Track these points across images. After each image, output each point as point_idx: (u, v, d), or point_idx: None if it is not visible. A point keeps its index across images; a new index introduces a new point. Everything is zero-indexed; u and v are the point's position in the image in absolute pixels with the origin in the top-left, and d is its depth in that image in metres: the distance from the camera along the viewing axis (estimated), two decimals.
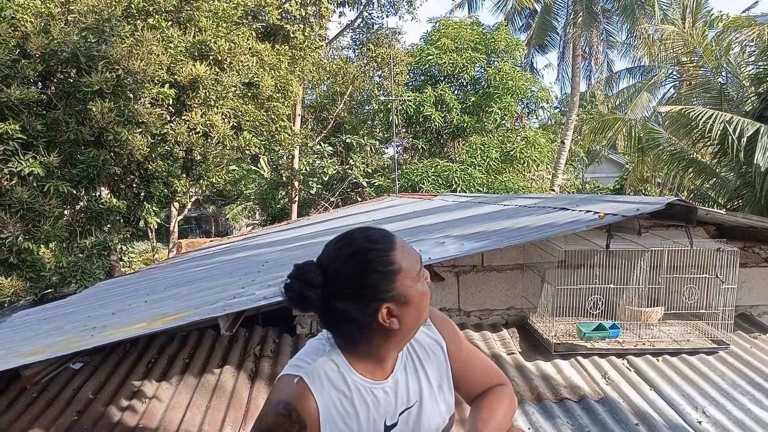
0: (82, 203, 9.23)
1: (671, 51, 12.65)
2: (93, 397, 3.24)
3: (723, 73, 10.92)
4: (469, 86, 17.34)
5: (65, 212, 9.18)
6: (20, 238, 7.90)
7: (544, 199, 5.85)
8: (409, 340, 1.32)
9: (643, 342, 3.79)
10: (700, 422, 3.11)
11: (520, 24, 20.68)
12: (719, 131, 8.72)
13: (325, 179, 16.74)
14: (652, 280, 3.81)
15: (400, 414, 1.30)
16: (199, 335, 4.01)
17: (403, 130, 17.58)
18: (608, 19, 19.45)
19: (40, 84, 8.75)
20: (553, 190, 18.22)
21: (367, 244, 1.24)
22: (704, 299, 3.83)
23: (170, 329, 3.75)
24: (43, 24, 8.30)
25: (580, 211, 3.80)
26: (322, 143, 17.35)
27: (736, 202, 10.01)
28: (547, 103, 18.87)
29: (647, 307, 3.90)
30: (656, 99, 20.41)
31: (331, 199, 17.19)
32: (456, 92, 17.16)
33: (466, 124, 16.43)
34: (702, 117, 8.89)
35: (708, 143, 10.01)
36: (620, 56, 23.03)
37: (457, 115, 16.34)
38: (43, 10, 8.49)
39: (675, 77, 18.52)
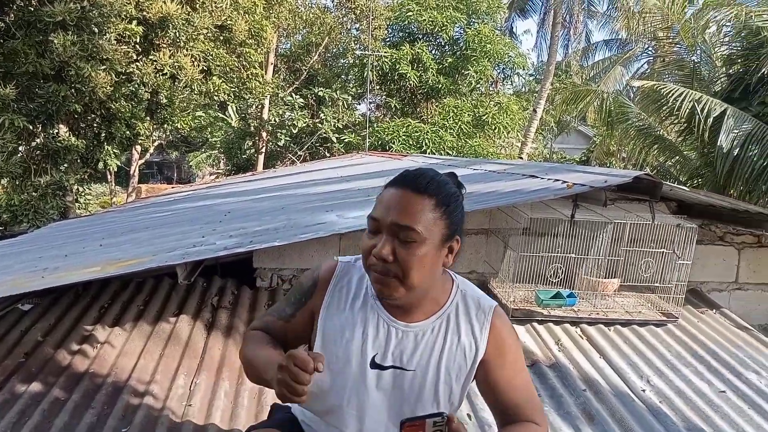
0: (38, 140, 8.85)
1: (649, 25, 12.65)
2: (42, 340, 3.16)
3: (698, 52, 11.00)
4: (447, 46, 17.10)
5: (20, 148, 8.80)
6: None
7: (513, 166, 5.86)
8: (430, 289, 1.28)
9: (597, 311, 3.88)
10: (644, 390, 3.22)
11: None
12: (687, 110, 8.83)
13: (294, 132, 16.44)
14: (612, 252, 3.87)
15: (392, 367, 1.28)
16: (155, 283, 3.93)
17: (377, 87, 17.31)
18: None
19: None
20: (521, 158, 18.33)
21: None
22: (659, 273, 3.93)
23: (125, 275, 3.66)
24: None
25: (549, 179, 3.81)
26: (293, 94, 16.97)
27: (696, 181, 10.24)
28: (524, 69, 18.79)
29: (604, 278, 3.98)
30: (630, 73, 20.51)
31: (299, 153, 16.94)
32: (433, 52, 16.91)
33: (441, 86, 16.27)
34: (673, 94, 8.97)
35: (675, 121, 10.15)
36: (599, 27, 23.00)
37: (433, 75, 16.15)
38: None
39: (650, 53, 18.59)
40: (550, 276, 3.87)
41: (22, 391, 2.73)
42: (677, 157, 10.82)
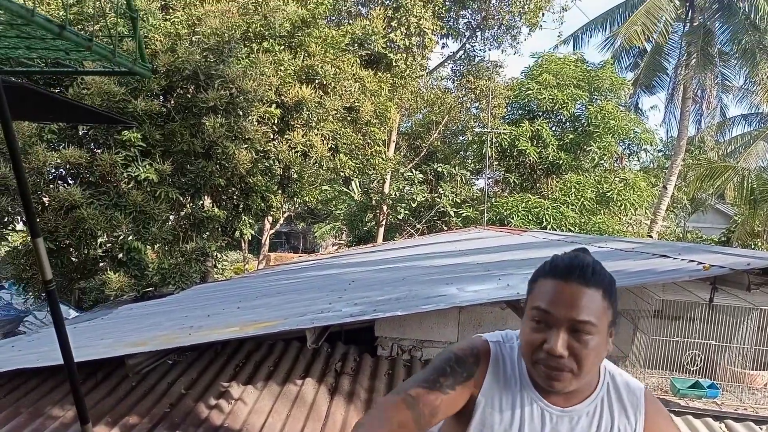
0: (186, 210, 9.87)
1: None
2: (185, 393, 3.44)
3: None
4: (567, 123, 16.99)
5: (171, 217, 9.85)
6: (131, 237, 8.56)
7: (642, 245, 5.59)
8: (589, 375, 1.24)
9: (744, 407, 3.51)
10: None
11: (628, 63, 20.00)
12: None
13: (414, 205, 16.87)
14: (760, 342, 3.53)
15: None
16: (284, 345, 4.16)
17: (496, 163, 17.44)
18: (725, 62, 18.41)
19: (161, 97, 9.51)
20: (651, 236, 17.31)
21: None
22: None
23: (259, 336, 3.92)
24: (170, 43, 9.06)
25: (682, 259, 3.62)
26: (413, 170, 17.55)
27: None
28: (651, 145, 18.08)
29: (752, 369, 3.62)
30: None
31: (417, 226, 17.28)
32: (553, 128, 16.85)
33: (561, 161, 16.06)
34: None
35: None
36: (736, 101, 21.68)
37: (553, 151, 16.01)
38: (171, 30, 9.28)
39: None
40: (687, 363, 3.60)
41: None
42: None
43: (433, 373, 1.30)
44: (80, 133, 9.01)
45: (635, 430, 1.27)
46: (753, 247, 16.99)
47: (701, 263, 3.32)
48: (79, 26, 8.27)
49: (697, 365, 3.59)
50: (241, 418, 3.20)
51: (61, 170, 9.00)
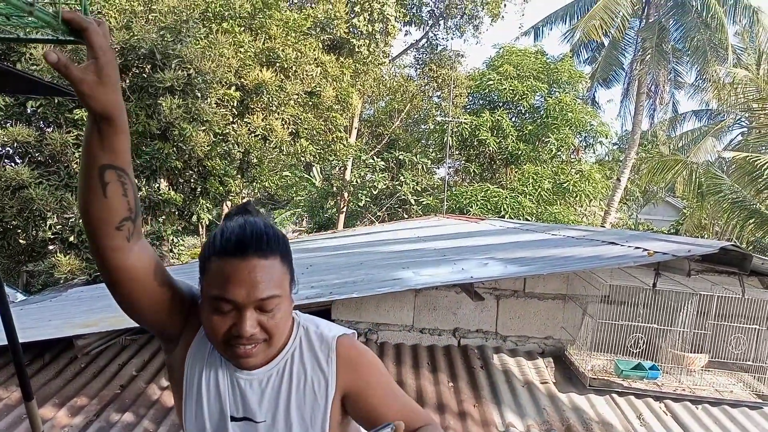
0: (142, 192, 9.64)
1: (742, 96, 12.27)
2: (136, 374, 3.39)
3: None
4: (527, 114, 17.27)
5: None
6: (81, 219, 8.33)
7: (592, 232, 5.77)
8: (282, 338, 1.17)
9: (683, 387, 3.69)
10: None
11: (586, 57, 20.47)
12: None
13: (375, 193, 16.90)
14: (698, 325, 3.71)
15: (243, 419, 1.18)
16: None
17: (457, 152, 17.61)
18: (678, 59, 19.00)
19: None
20: (604, 227, 17.83)
21: (226, 221, 1.20)
22: (752, 351, 3.70)
23: None
24: (125, 20, 8.79)
25: (629, 246, 3.76)
26: (375, 157, 17.56)
27: None
28: (606, 138, 18.55)
29: (690, 352, 3.80)
30: (722, 144, 19.75)
31: (378, 214, 17.33)
32: (513, 119, 17.11)
33: (520, 152, 16.34)
34: None
35: None
36: (687, 97, 22.44)
37: (513, 142, 16.27)
38: (127, 7, 8.99)
39: (744, 123, 17.93)
40: (631, 346, 3.75)
41: (116, 421, 2.93)
42: None
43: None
44: (29, 111, 8.67)
45: (328, 380, 1.19)
46: (700, 238, 17.69)
47: (646, 249, 3.46)
48: None
49: (639, 348, 3.75)
50: None
51: (8, 148, 8.66)
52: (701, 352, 3.83)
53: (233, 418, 1.18)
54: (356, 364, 1.21)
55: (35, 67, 7.79)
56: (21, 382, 1.62)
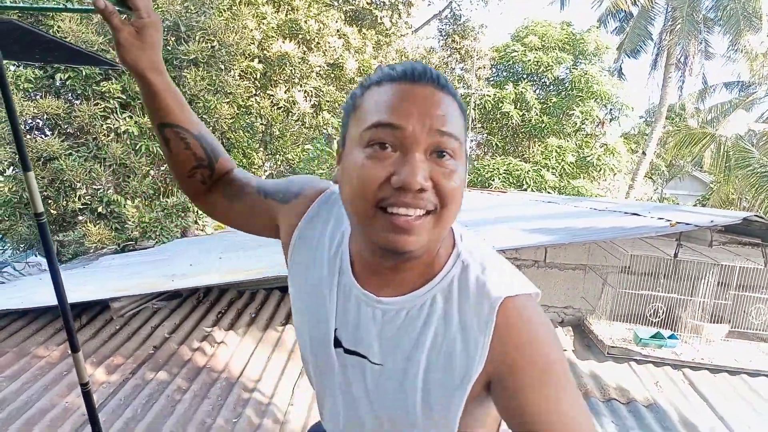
0: (167, 164, 9.81)
1: None
2: (168, 336, 3.54)
3: None
4: (551, 86, 17.01)
5: (151, 171, 9.79)
6: (110, 190, 8.52)
7: (615, 204, 5.76)
8: (444, 233, 0.82)
9: (702, 356, 3.72)
10: None
11: (614, 27, 19.98)
12: None
13: None
14: (719, 296, 3.72)
15: (355, 354, 0.88)
16: (266, 294, 4.26)
17: (479, 125, 17.46)
18: (709, 29, 18.46)
19: None
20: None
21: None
22: None
23: (240, 285, 4.02)
24: None
25: (651, 217, 3.77)
26: None
27: None
28: (633, 111, 18.22)
29: (710, 322, 3.82)
30: (753, 117, 19.26)
31: None
32: (537, 91, 16.88)
33: (544, 125, 16.15)
34: None
35: None
36: (718, 69, 21.78)
37: (536, 114, 16.08)
38: None
39: None
40: (650, 315, 3.78)
41: (151, 378, 3.08)
42: None
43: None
44: (57, 84, 8.83)
45: (474, 356, 0.79)
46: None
47: (669, 220, 3.47)
48: None
49: (659, 317, 3.78)
50: (223, 360, 3.32)
51: (38, 120, 8.86)
52: (721, 323, 3.85)
53: (344, 348, 0.89)
54: (515, 345, 0.78)
55: (63, 39, 7.92)
56: (69, 335, 1.73)
